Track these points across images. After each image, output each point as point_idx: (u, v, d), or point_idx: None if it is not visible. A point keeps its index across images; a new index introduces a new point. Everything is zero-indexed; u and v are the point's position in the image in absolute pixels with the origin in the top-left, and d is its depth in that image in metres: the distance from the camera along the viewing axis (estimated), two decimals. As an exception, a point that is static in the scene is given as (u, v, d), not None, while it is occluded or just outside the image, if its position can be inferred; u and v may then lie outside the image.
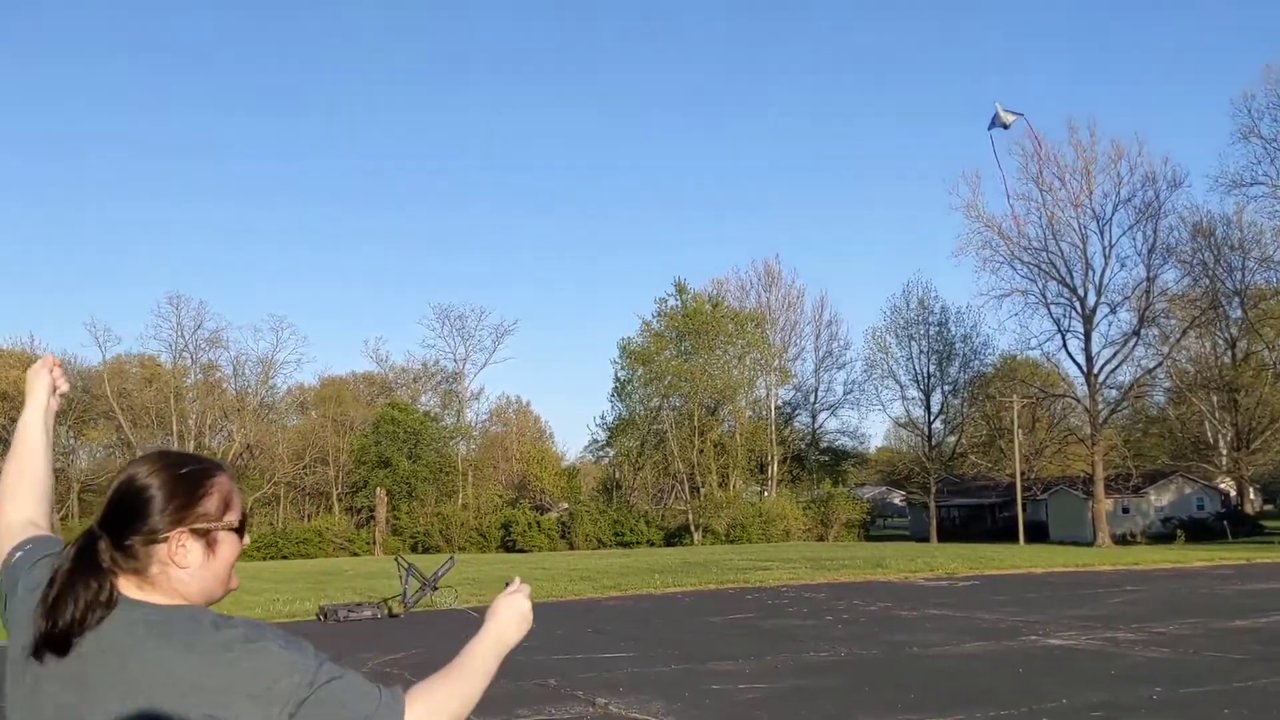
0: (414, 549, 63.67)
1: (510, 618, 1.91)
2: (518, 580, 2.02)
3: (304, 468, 77.69)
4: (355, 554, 65.20)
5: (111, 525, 1.65)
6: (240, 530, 1.74)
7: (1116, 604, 19.27)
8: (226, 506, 1.72)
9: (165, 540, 1.64)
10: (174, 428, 72.79)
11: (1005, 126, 15.58)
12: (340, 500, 77.42)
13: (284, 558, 64.08)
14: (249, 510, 1.81)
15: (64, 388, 2.13)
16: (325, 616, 20.54)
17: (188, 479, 1.69)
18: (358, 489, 74.29)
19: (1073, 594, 21.77)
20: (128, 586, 1.63)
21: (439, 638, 16.75)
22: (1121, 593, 21.83)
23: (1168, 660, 12.19)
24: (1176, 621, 15.92)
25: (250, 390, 79.91)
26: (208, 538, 1.68)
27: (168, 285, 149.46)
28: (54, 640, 1.57)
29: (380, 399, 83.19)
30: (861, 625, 16.87)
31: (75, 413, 75.03)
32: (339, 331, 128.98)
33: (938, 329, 70.64)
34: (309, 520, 75.58)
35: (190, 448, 72.42)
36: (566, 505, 74.54)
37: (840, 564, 32.87)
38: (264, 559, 63.75)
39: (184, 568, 1.65)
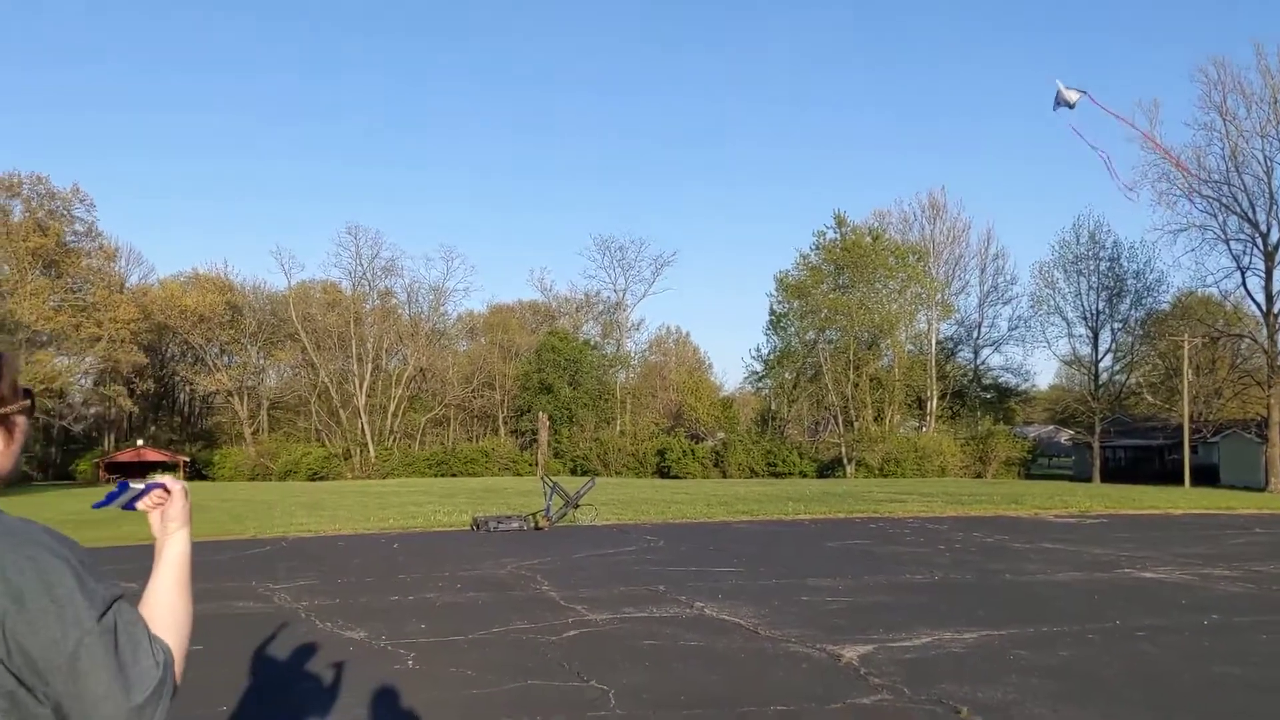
0: (573, 472, 66.48)
1: None
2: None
3: (472, 391, 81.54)
4: (518, 474, 68.51)
5: None
6: (31, 408, 1.72)
7: (1234, 545, 19.36)
8: (14, 387, 1.68)
9: None
10: (354, 350, 77.31)
11: (1070, 106, 14.96)
12: (506, 424, 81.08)
13: (453, 475, 67.98)
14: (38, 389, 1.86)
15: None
16: (477, 527, 22.58)
17: None
18: (522, 413, 77.66)
19: (1197, 534, 21.83)
20: None
21: (573, 547, 18.54)
22: (1248, 534, 21.75)
23: (1243, 595, 12.67)
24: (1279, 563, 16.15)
25: (423, 316, 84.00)
26: (6, 423, 1.67)
27: (347, 215, 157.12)
28: None
29: (544, 327, 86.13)
30: (969, 554, 17.60)
31: (265, 334, 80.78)
32: (506, 261, 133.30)
33: (1109, 264, 68.41)
34: (477, 442, 79.59)
35: (369, 370, 77.07)
36: (722, 435, 76.01)
37: (977, 499, 33.15)
38: (435, 476, 67.87)
39: None
